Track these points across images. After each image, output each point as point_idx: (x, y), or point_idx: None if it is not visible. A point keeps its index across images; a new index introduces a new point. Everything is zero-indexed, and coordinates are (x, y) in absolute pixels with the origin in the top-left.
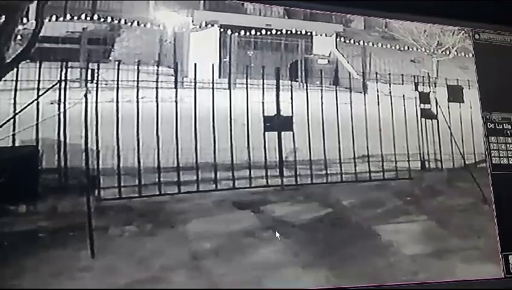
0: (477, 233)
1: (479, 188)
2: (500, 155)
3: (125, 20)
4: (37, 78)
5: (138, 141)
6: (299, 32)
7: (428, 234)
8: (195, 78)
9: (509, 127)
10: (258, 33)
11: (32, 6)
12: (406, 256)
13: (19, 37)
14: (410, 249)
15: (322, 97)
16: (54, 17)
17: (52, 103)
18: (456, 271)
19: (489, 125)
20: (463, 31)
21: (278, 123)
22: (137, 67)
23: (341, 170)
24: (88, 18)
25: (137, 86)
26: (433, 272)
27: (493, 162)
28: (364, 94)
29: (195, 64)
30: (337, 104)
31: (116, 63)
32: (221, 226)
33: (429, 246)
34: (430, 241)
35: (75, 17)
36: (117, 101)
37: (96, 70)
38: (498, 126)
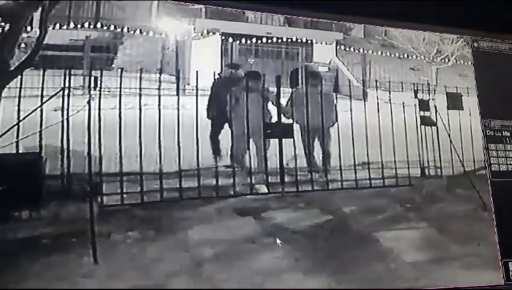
0: (477, 240)
1: (478, 195)
2: (500, 162)
3: (128, 28)
4: (40, 86)
5: (140, 148)
6: (299, 40)
7: (428, 240)
8: (197, 86)
9: (509, 134)
10: (259, 41)
11: (36, 15)
12: (406, 263)
13: (23, 44)
14: (410, 256)
15: (322, 104)
16: (57, 25)
17: (55, 110)
18: (456, 278)
19: (489, 132)
20: (462, 39)
21: (279, 130)
22: (140, 75)
23: (341, 177)
24: (91, 26)
25: (140, 93)
26: (433, 279)
27: (493, 169)
28: (364, 101)
29: (197, 71)
30: (337, 111)
31: (119, 70)
32: (222, 233)
33: (429, 253)
34: (430, 248)
35: (79, 25)
36: (120, 108)
37: (99, 78)
38: (497, 133)
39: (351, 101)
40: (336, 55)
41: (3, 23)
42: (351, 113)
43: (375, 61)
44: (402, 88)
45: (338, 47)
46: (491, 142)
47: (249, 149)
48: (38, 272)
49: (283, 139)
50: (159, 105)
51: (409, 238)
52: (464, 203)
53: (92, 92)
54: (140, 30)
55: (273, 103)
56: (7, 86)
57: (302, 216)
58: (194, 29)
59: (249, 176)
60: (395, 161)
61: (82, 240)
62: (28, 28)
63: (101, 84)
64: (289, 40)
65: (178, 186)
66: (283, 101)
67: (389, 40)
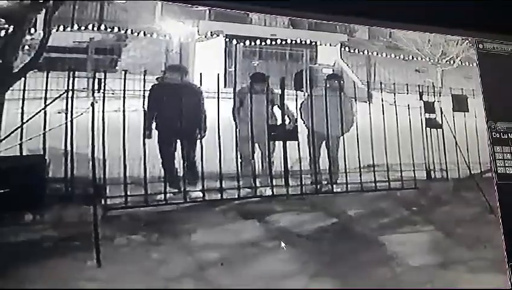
0: (483, 243)
1: (484, 197)
2: (506, 165)
3: (132, 30)
4: (44, 88)
5: (144, 150)
6: (303, 42)
7: (434, 244)
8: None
9: None
10: (263, 43)
11: (40, 17)
12: (412, 267)
13: (26, 47)
14: (416, 260)
15: (326, 107)
16: (61, 27)
17: (59, 112)
18: (462, 282)
19: (494, 134)
20: (467, 41)
21: (283, 132)
22: (144, 77)
23: (346, 179)
24: (95, 28)
25: (144, 96)
26: (439, 283)
27: (499, 171)
28: (369, 103)
29: (200, 74)
30: (341, 113)
31: (123, 72)
32: (226, 236)
33: (435, 256)
34: (436, 252)
35: (82, 27)
36: (123, 111)
37: (103, 80)
38: (503, 135)
39: (355, 103)
40: (340, 57)
41: (6, 25)
42: (356, 115)
43: (379, 63)
44: (407, 90)
45: (342, 49)
46: (496, 145)
47: (253, 152)
48: (41, 275)
49: (287, 141)
50: None
51: (414, 241)
52: (470, 206)
53: (96, 94)
54: (144, 32)
55: (278, 106)
56: (11, 88)
57: (306, 219)
58: (198, 31)
59: (253, 178)
60: (400, 164)
61: (85, 244)
62: (32, 30)
63: (104, 87)
64: (293, 42)
65: (182, 189)
66: (290, 104)
67: (393, 42)
